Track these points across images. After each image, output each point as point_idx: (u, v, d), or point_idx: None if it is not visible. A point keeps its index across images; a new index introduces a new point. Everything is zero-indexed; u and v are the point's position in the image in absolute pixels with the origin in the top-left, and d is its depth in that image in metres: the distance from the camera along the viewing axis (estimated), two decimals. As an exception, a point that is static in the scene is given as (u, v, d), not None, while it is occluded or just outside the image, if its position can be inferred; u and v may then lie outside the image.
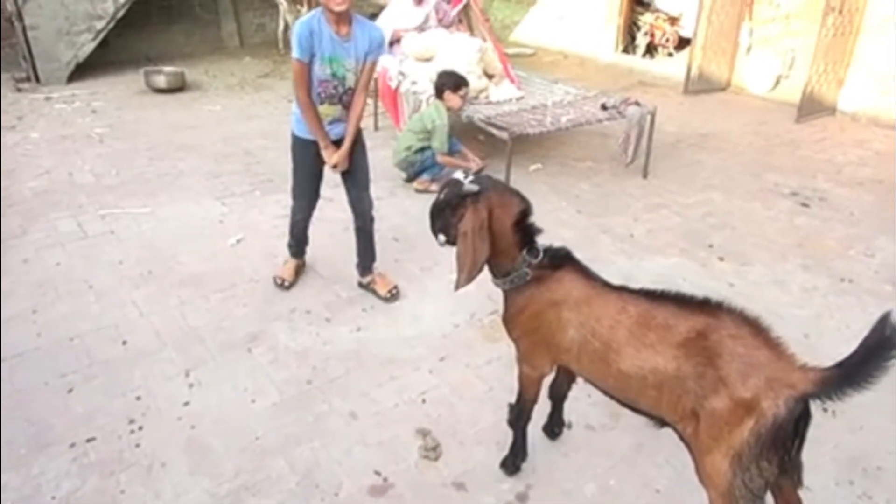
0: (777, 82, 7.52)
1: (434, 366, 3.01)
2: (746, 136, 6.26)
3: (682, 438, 1.81)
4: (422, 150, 4.76)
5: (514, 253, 2.01)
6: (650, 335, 1.74)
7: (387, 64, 5.66)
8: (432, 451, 2.52)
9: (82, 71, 7.57)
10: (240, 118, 6.55)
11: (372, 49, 3.07)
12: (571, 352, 1.94)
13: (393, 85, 5.58)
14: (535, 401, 2.28)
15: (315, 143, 3.15)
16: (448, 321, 3.33)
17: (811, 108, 6.63)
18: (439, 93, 4.71)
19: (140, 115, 6.52)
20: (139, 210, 4.45)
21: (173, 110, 6.74)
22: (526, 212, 2.01)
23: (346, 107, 3.16)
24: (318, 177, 3.34)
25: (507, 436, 2.41)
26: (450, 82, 4.68)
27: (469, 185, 1.99)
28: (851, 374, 1.49)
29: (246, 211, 4.47)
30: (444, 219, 2.06)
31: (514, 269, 2.02)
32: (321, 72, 3.00)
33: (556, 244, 2.12)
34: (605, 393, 2.00)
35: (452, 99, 4.67)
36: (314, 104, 3.05)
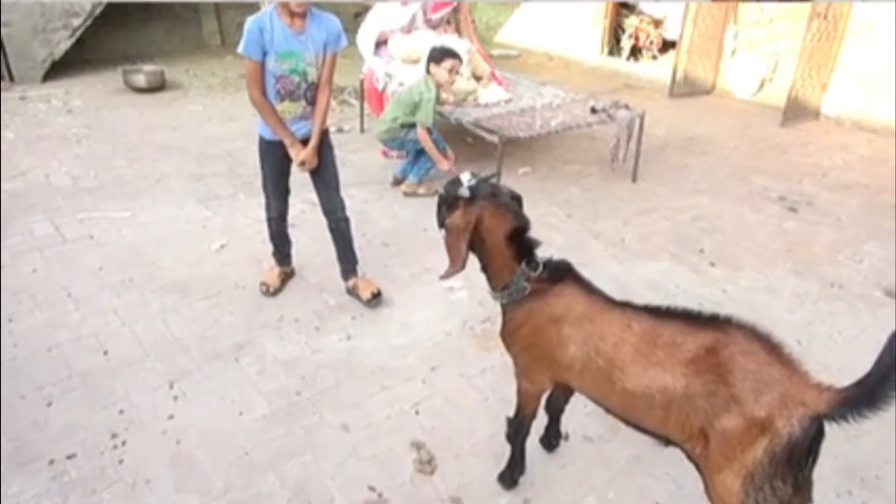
0: (761, 86, 7.57)
1: (426, 375, 2.95)
2: (733, 139, 6.28)
3: (689, 458, 1.76)
4: (407, 127, 4.61)
5: (511, 265, 1.98)
6: (657, 353, 1.69)
7: (373, 65, 5.59)
8: (427, 465, 2.45)
9: (58, 69, 7.39)
10: (222, 119, 6.43)
11: (330, 41, 3.00)
12: (573, 369, 1.90)
13: (380, 86, 5.50)
14: (534, 416, 2.24)
15: (281, 144, 3.08)
16: (439, 329, 3.26)
17: (796, 112, 6.67)
18: (427, 68, 4.59)
19: (119, 115, 6.37)
20: (119, 214, 4.33)
21: (153, 110, 6.60)
22: (521, 228, 1.97)
23: (312, 103, 3.09)
24: (287, 174, 3.26)
25: (505, 448, 2.35)
26: (435, 54, 4.54)
27: (464, 190, 1.97)
28: (869, 395, 1.44)
29: (229, 214, 4.37)
30: (441, 213, 2.06)
31: (513, 282, 1.97)
32: (276, 68, 2.93)
33: (554, 253, 2.08)
34: (608, 411, 1.95)
35: (438, 73, 4.53)
36: (270, 102, 2.99)
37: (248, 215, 4.31)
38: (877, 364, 1.45)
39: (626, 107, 5.08)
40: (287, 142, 3.06)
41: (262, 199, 3.41)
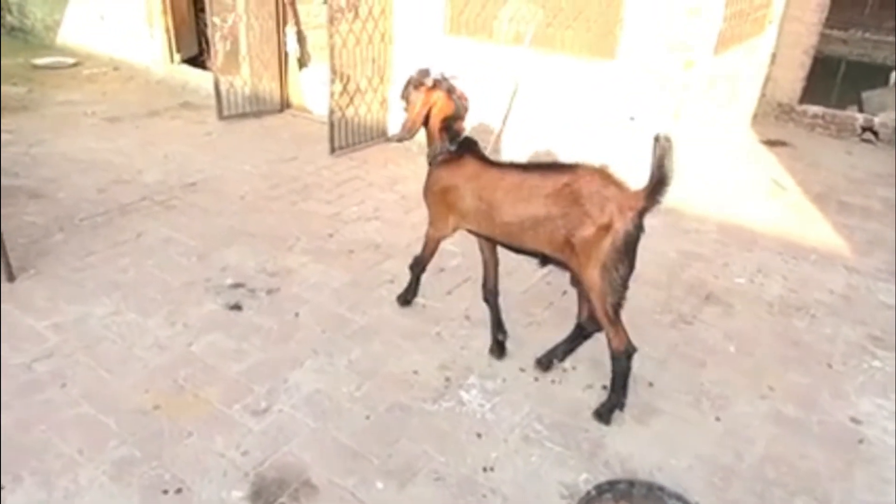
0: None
1: None
2: (252, 181, 4.64)
3: (564, 265, 2.55)
4: None
5: (437, 139, 2.83)
6: (523, 192, 2.54)
7: None
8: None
9: None
10: None
11: None
12: (470, 215, 2.75)
13: None
14: (431, 257, 3.08)
15: None
16: None
17: (358, 135, 5.28)
18: None
19: None
20: None
21: None
22: (456, 117, 2.79)
23: None
24: None
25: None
26: None
27: (429, 80, 2.76)
28: (657, 191, 2.29)
29: None
30: (408, 91, 2.84)
31: (435, 151, 2.87)
32: None
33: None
34: (500, 244, 2.78)
35: None
36: None
37: None
38: (652, 171, 2.27)
39: None
40: None
41: None
